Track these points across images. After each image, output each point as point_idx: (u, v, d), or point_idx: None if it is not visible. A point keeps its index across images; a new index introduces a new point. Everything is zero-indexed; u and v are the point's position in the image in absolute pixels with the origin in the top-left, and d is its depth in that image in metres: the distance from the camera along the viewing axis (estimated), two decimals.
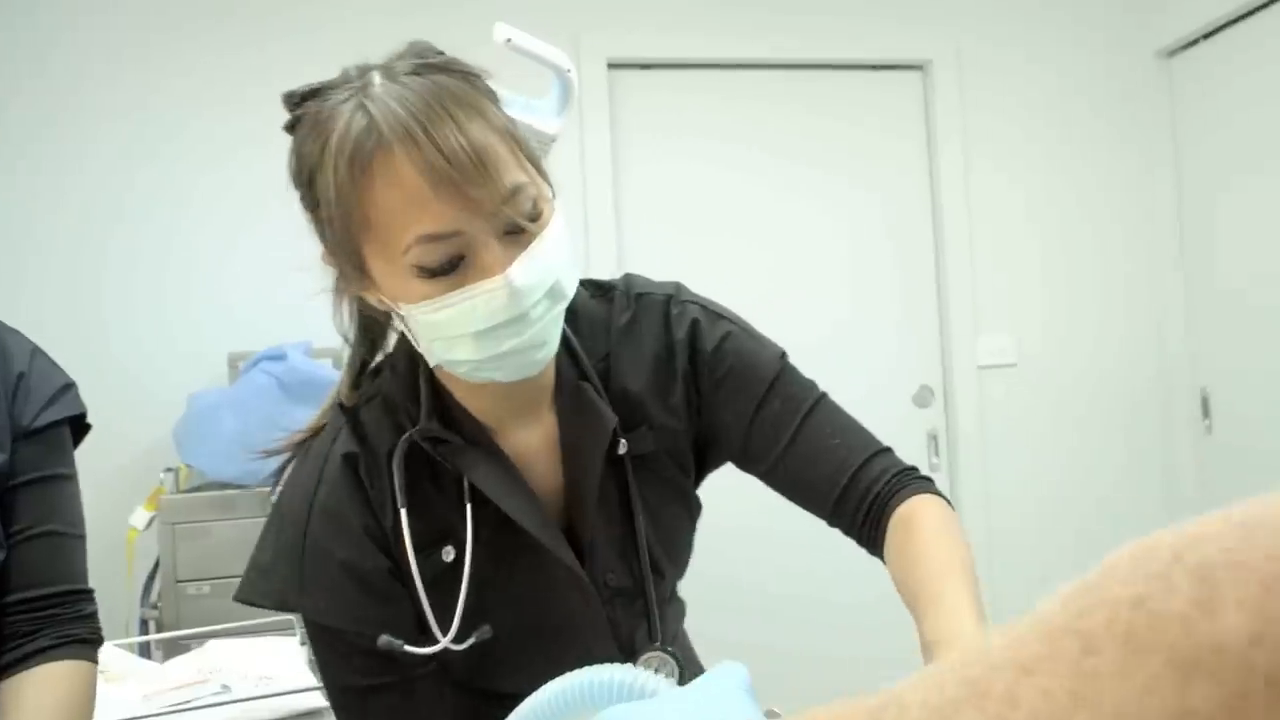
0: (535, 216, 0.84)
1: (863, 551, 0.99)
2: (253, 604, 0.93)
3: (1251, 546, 0.26)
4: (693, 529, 1.09)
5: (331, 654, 0.94)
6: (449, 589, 0.92)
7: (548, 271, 0.84)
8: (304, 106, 0.85)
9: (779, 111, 3.30)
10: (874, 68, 3.37)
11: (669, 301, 1.02)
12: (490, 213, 0.80)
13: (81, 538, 1.07)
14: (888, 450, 1.00)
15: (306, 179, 0.85)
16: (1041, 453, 3.37)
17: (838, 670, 2.84)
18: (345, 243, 0.84)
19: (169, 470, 2.44)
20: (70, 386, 1.09)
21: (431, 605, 0.91)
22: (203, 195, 2.86)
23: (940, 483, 1.00)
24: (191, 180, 2.86)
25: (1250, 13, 3.01)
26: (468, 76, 0.84)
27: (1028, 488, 3.35)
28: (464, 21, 2.04)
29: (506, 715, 0.58)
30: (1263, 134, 3.00)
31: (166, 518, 2.29)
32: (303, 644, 1.78)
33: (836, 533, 1.01)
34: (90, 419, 1.12)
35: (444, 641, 0.90)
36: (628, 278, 1.05)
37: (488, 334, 0.83)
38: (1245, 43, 3.06)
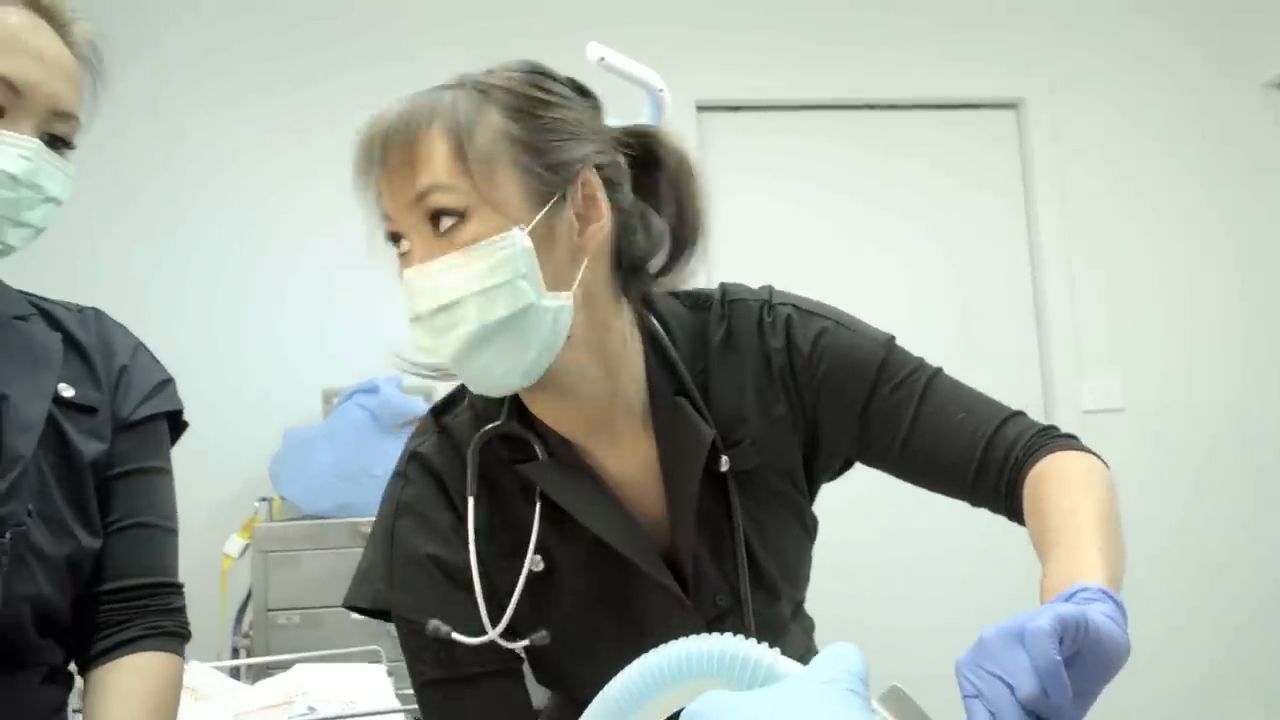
0: (451, 228, 0.83)
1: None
2: (355, 608, 0.94)
3: None
4: (809, 545, 1.04)
5: (419, 649, 0.92)
6: (543, 596, 0.91)
7: (444, 288, 0.82)
8: None
9: (868, 151, 3.27)
10: (966, 107, 3.32)
11: (763, 307, 0.99)
12: (404, 206, 0.84)
13: (173, 532, 1.07)
14: (1020, 414, 0.93)
15: None
16: (1153, 503, 3.19)
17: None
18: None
19: (264, 500, 2.48)
20: (169, 382, 1.11)
21: (516, 608, 0.89)
22: (297, 235, 2.94)
23: None
24: (287, 221, 2.95)
25: None
26: (482, 89, 0.87)
27: (1139, 542, 3.17)
28: (558, 52, 2.07)
29: None
30: None
31: (260, 546, 2.32)
32: (389, 674, 1.77)
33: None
34: (188, 450, 1.14)
35: (492, 634, 0.88)
36: (722, 286, 1.02)
37: (414, 323, 0.85)
38: None
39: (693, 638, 0.53)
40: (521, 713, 0.92)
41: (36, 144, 0.90)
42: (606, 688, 0.55)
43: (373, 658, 1.81)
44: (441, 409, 0.99)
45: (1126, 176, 3.31)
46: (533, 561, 0.91)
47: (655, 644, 0.92)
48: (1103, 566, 0.69)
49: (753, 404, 0.97)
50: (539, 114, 0.86)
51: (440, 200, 0.82)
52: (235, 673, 2.02)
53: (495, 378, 0.86)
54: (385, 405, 2.45)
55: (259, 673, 2.04)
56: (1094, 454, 0.87)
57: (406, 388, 2.61)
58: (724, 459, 0.94)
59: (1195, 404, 3.26)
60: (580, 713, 0.94)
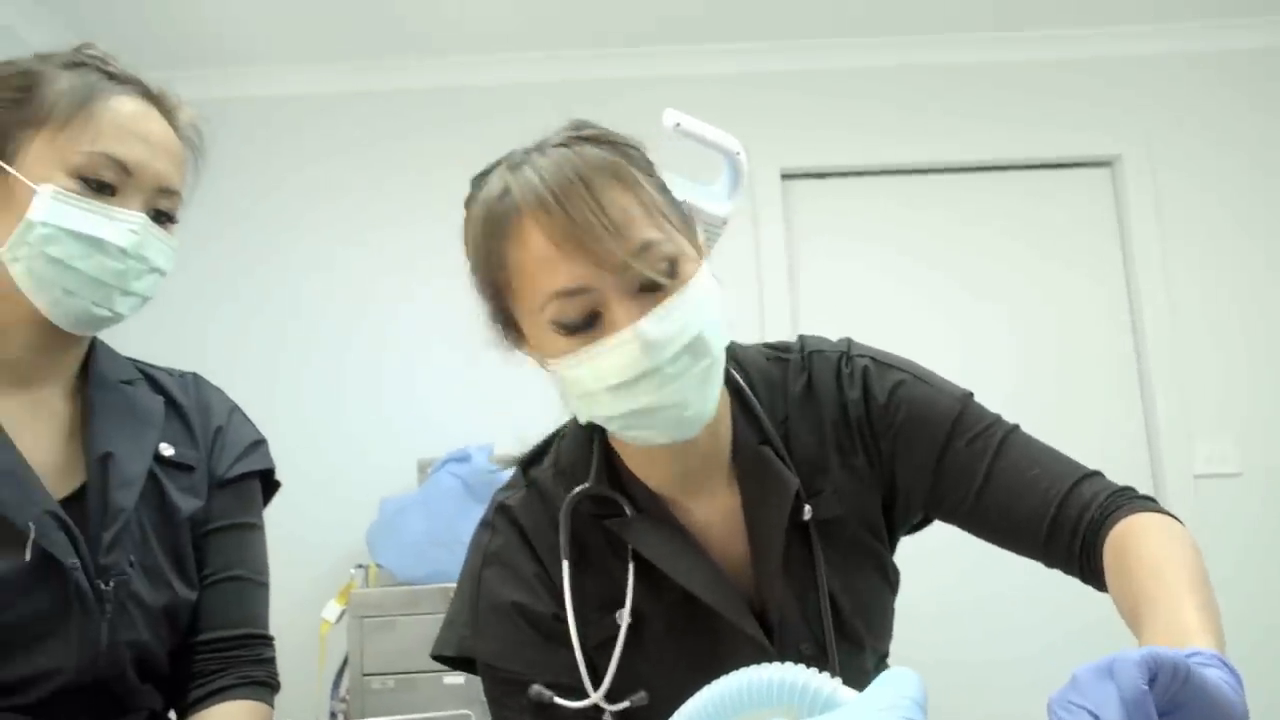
0: (672, 274, 0.84)
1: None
2: (441, 658, 0.97)
3: None
4: (891, 596, 1.04)
5: (502, 695, 0.94)
6: (631, 650, 0.92)
7: (684, 327, 0.83)
8: (476, 183, 0.92)
9: (957, 214, 3.25)
10: (1058, 166, 3.28)
11: (841, 359, 1.00)
12: (619, 267, 0.81)
13: (265, 585, 1.12)
14: (1097, 473, 0.92)
15: (466, 248, 0.91)
16: (1273, 573, 3.03)
17: None
18: (497, 303, 0.89)
19: (360, 567, 2.54)
20: (261, 442, 1.17)
21: (600, 666, 0.91)
22: (391, 308, 3.05)
23: None
24: (382, 294, 3.07)
25: None
26: (617, 146, 0.88)
27: (1257, 612, 3.00)
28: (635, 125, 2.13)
29: None
30: None
31: (356, 612, 2.37)
32: None
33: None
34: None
35: (594, 697, 0.89)
36: (801, 338, 1.04)
37: (623, 389, 0.83)
38: None
39: (754, 667, 0.54)
40: None
41: (143, 219, 0.98)
42: (673, 718, 0.56)
43: None
44: (529, 462, 1.01)
45: (1229, 232, 3.21)
46: (622, 618, 0.92)
47: None
48: (1209, 631, 0.67)
49: (832, 454, 0.97)
50: (650, 168, 0.90)
51: (663, 250, 0.83)
52: None
53: (707, 412, 0.87)
54: (476, 473, 2.50)
55: None
56: (1174, 516, 0.85)
57: (496, 459, 2.66)
58: (807, 508, 0.94)
59: None
60: None
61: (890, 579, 1.03)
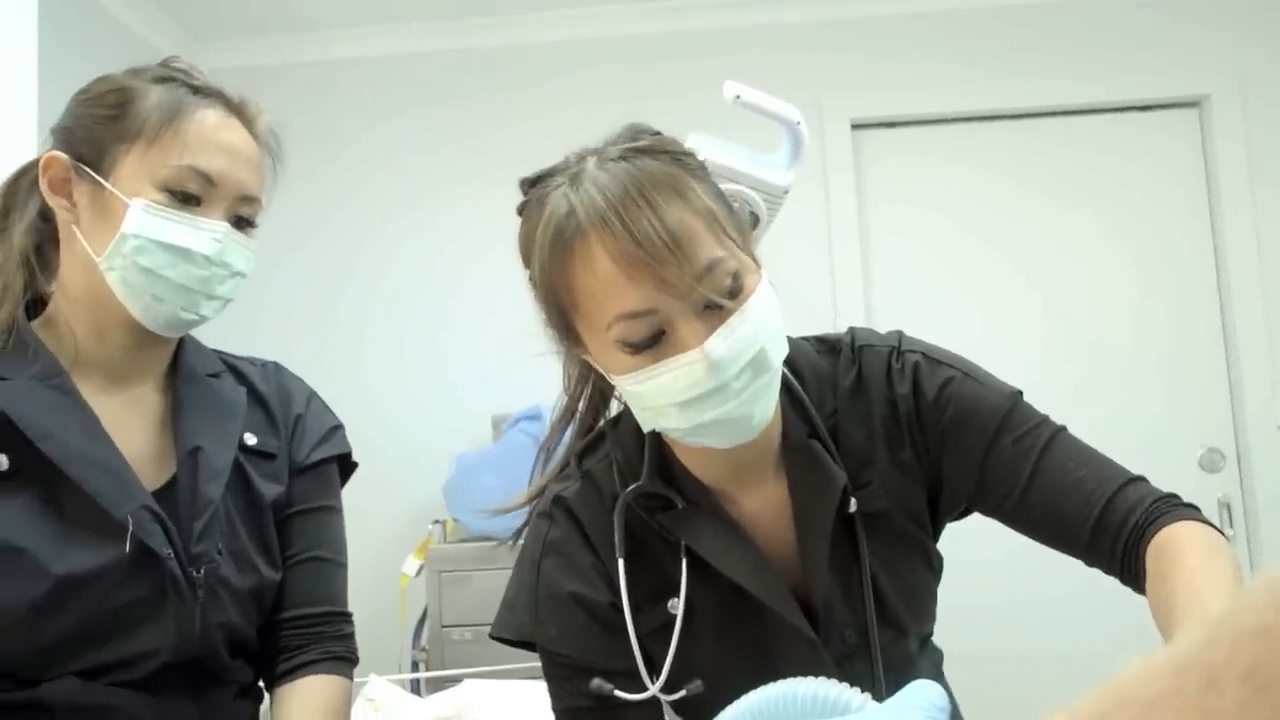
0: (735, 291, 0.86)
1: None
2: (501, 639, 1.01)
3: None
4: (935, 582, 1.06)
5: (560, 678, 0.98)
6: (683, 641, 0.95)
7: (748, 344, 0.86)
8: (531, 192, 0.94)
9: (1033, 161, 3.17)
10: (1141, 108, 3.17)
11: (891, 354, 1.01)
12: (685, 291, 0.83)
13: (343, 565, 1.19)
14: (1141, 479, 0.93)
15: (526, 259, 0.94)
16: None
17: None
18: (558, 317, 0.92)
19: (437, 522, 2.63)
20: (339, 428, 1.23)
21: (654, 654, 0.94)
22: (463, 265, 3.11)
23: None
24: (454, 251, 3.12)
25: None
26: (676, 157, 0.89)
27: None
28: (703, 85, 2.13)
29: None
30: None
31: (434, 566, 2.47)
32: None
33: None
34: (369, 476, 1.26)
35: (653, 690, 0.93)
36: (852, 331, 1.05)
37: (690, 404, 0.86)
38: None
39: (788, 680, 0.57)
40: None
41: (226, 227, 1.03)
42: None
43: (536, 674, 1.90)
44: (583, 453, 1.05)
45: None
46: (674, 608, 0.95)
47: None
48: None
49: (880, 448, 0.99)
50: (705, 175, 0.91)
51: (726, 268, 0.85)
52: (415, 685, 2.16)
53: (768, 418, 0.91)
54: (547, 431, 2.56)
55: (434, 685, 2.18)
56: (1215, 527, 0.86)
57: None
58: (853, 501, 0.96)
59: None
60: None
61: (934, 566, 1.05)
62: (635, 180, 0.84)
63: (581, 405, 1.05)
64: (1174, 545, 0.83)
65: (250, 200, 1.06)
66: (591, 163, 0.89)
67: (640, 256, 0.82)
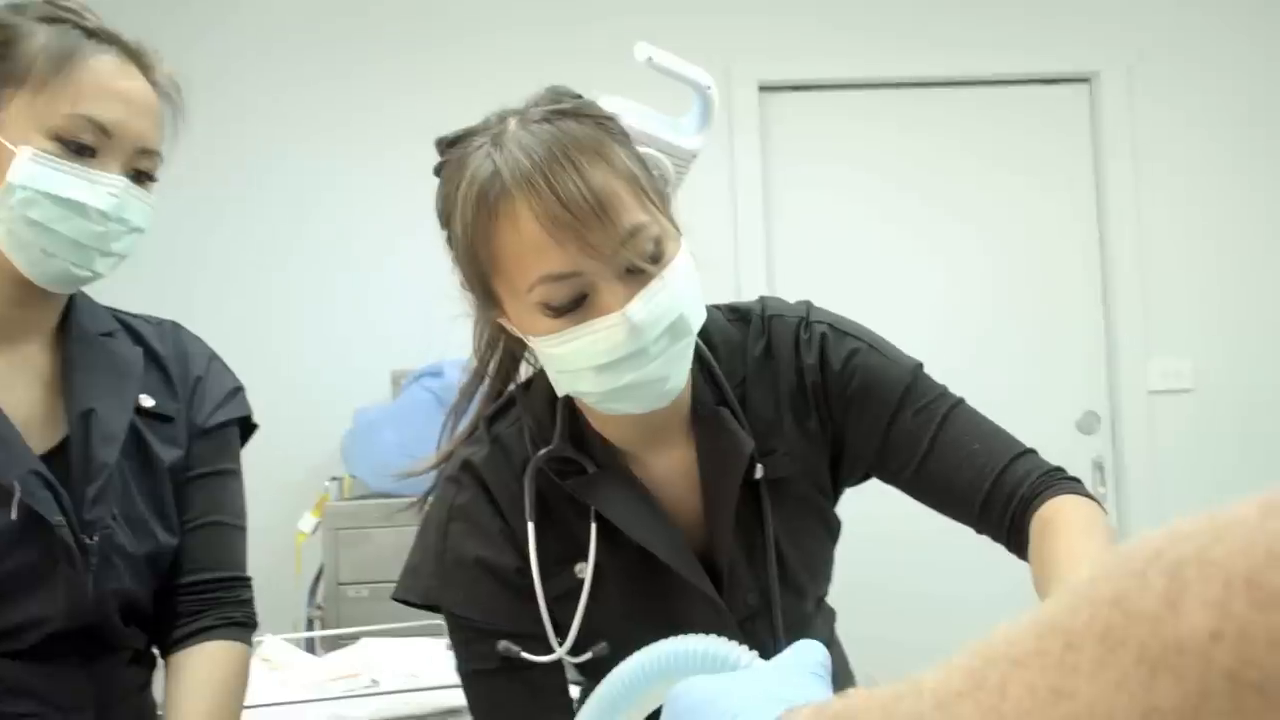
0: (657, 256, 0.87)
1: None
2: (405, 602, 1.01)
3: (1222, 544, 0.26)
4: (833, 545, 1.10)
5: (466, 642, 0.99)
6: (590, 603, 0.96)
7: (668, 309, 0.87)
8: (449, 152, 0.92)
9: (933, 128, 3.24)
10: (1036, 82, 3.27)
11: (800, 324, 1.03)
12: (609, 254, 0.84)
13: (243, 529, 1.17)
14: (1031, 451, 0.98)
15: (445, 220, 0.93)
16: (1222, 486, 3.14)
17: None
18: (477, 279, 0.91)
19: (334, 479, 2.60)
20: (239, 390, 1.20)
21: (560, 617, 0.96)
22: (362, 220, 3.04)
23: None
24: (352, 205, 3.05)
25: None
26: (598, 121, 0.89)
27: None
28: (614, 46, 2.11)
29: None
30: None
31: (331, 524, 2.44)
32: (449, 647, 1.87)
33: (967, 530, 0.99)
34: (265, 431, 1.23)
35: (559, 652, 0.94)
36: (762, 301, 1.07)
37: (608, 368, 0.87)
38: None
39: (679, 637, 0.59)
40: (561, 695, 0.99)
41: (124, 182, 0.98)
42: (605, 681, 0.61)
43: (435, 631, 1.91)
44: (493, 417, 1.04)
45: (1204, 154, 3.23)
46: (582, 571, 0.97)
47: None
48: None
49: (787, 416, 1.02)
50: (628, 140, 0.91)
51: (649, 233, 0.86)
52: (310, 644, 2.14)
53: (682, 383, 0.92)
54: (449, 388, 2.52)
55: (330, 643, 2.17)
56: (1095, 499, 0.92)
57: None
58: (759, 467, 0.99)
59: (1270, 383, 3.19)
60: None
61: (832, 530, 1.09)
62: (560, 142, 0.84)
63: (491, 368, 1.04)
64: (1055, 519, 0.89)
65: (150, 153, 1.01)
66: (513, 124, 0.88)
67: (566, 218, 0.82)
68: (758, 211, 3.16)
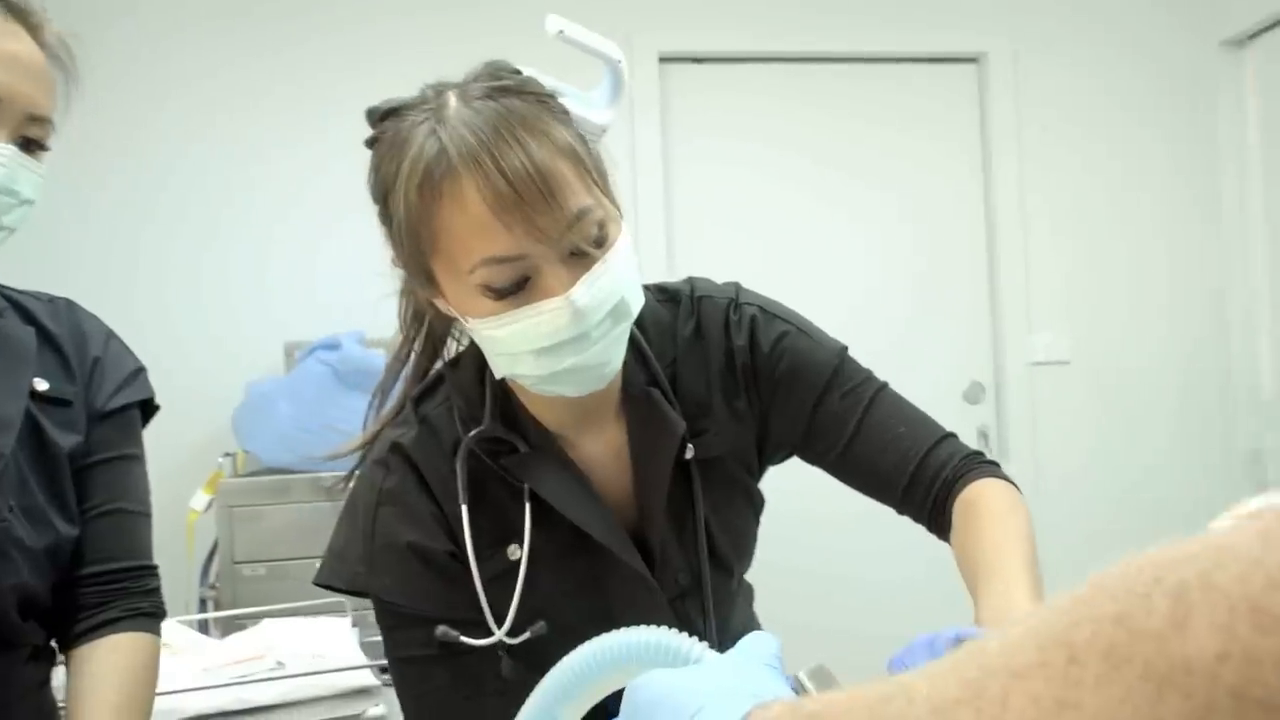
0: (601, 240, 0.86)
1: (912, 531, 1.00)
2: (329, 587, 0.98)
3: (1224, 570, 0.28)
4: (757, 523, 1.12)
5: (396, 628, 0.97)
6: (515, 585, 0.95)
7: (610, 293, 0.86)
8: (383, 125, 0.89)
9: (831, 104, 3.30)
10: (928, 60, 3.35)
11: (730, 306, 1.04)
12: (555, 237, 0.83)
13: (148, 516, 1.12)
14: (952, 436, 1.02)
15: (381, 196, 0.89)
16: (1095, 453, 3.32)
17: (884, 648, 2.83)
18: (416, 258, 0.88)
19: (228, 455, 2.51)
20: (141, 371, 1.14)
21: (495, 600, 0.94)
22: (259, 189, 2.93)
23: None
24: (249, 174, 2.93)
25: None
26: (540, 99, 0.87)
27: (1079, 488, 3.30)
28: (516, 17, 2.08)
29: None
30: None
31: (225, 501, 2.36)
32: (354, 625, 1.83)
33: (886, 512, 1.02)
34: (158, 403, 1.17)
35: (498, 635, 0.93)
36: (691, 282, 1.07)
37: (549, 351, 0.86)
38: None
39: (626, 630, 0.59)
40: (495, 681, 0.97)
41: (12, 150, 0.92)
42: (552, 672, 0.61)
43: (337, 609, 1.87)
44: (420, 397, 1.02)
45: (1084, 134, 3.36)
46: (515, 553, 0.96)
47: (625, 622, 0.98)
48: (1033, 603, 0.80)
49: (717, 396, 1.03)
50: (568, 119, 0.89)
51: (594, 217, 0.85)
52: (204, 625, 2.08)
53: (618, 366, 0.92)
54: (347, 360, 2.48)
55: (227, 625, 2.10)
56: (1011, 481, 0.97)
57: (368, 341, 2.64)
58: (690, 447, 1.00)
59: (1138, 356, 3.37)
60: (540, 676, 1.01)
61: (756, 507, 1.11)
62: (506, 120, 0.83)
63: (417, 346, 1.02)
64: (978, 502, 0.93)
65: (41, 121, 0.95)
66: (454, 100, 0.85)
67: (513, 199, 0.81)
68: (658, 182, 3.16)
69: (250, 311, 2.89)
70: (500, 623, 0.94)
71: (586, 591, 1.00)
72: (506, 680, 0.98)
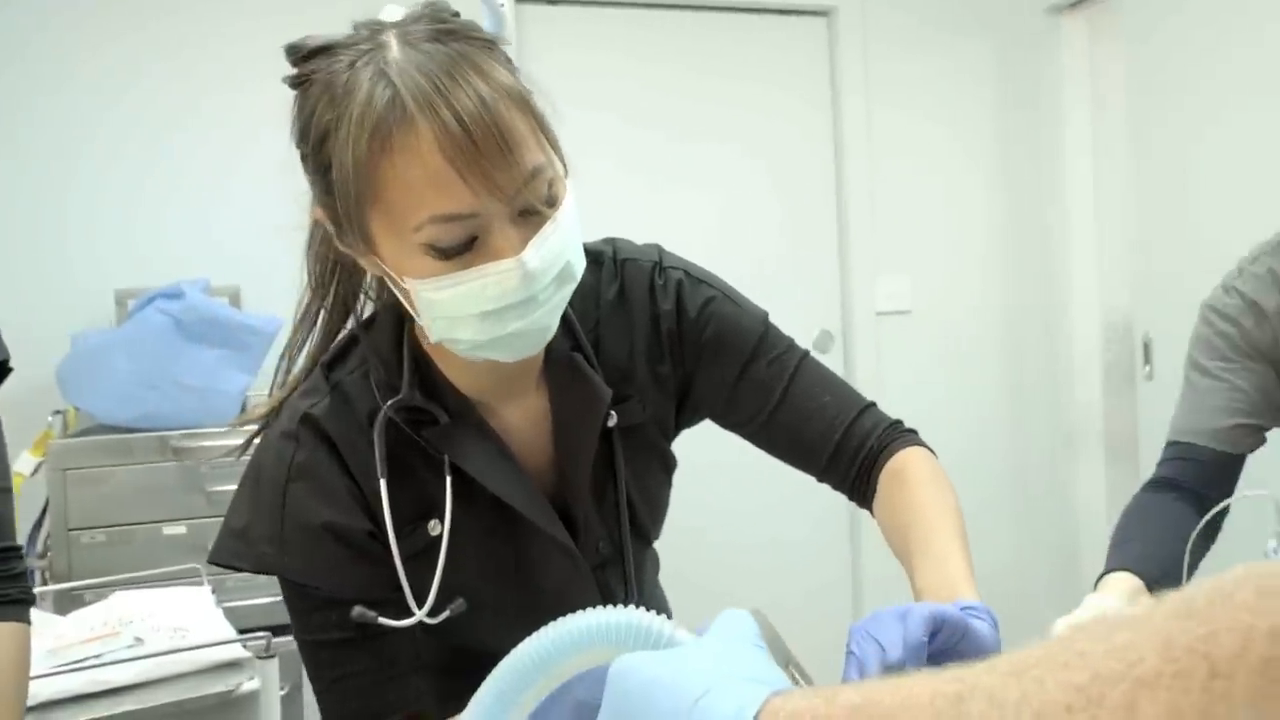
0: (552, 200, 0.82)
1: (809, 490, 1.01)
2: (230, 567, 0.91)
3: None
4: (670, 487, 1.10)
5: (308, 611, 0.91)
6: (436, 561, 0.91)
7: (558, 255, 0.82)
8: (313, 63, 0.81)
9: (683, 52, 3.28)
10: (779, 12, 3.38)
11: (654, 269, 1.01)
12: (510, 195, 0.78)
13: (8, 491, 1.01)
14: (873, 405, 1.03)
15: (316, 141, 0.81)
16: (937, 401, 3.46)
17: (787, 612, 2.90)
18: (352, 211, 0.80)
19: (57, 413, 2.31)
20: None
21: (415, 577, 0.89)
22: (85, 118, 2.68)
23: None
24: (73, 101, 2.67)
25: None
26: (486, 44, 0.81)
27: (925, 437, 3.44)
28: None
29: (486, 669, 0.56)
30: (1171, 81, 3.09)
31: (56, 463, 2.16)
32: (214, 592, 1.73)
33: (756, 469, 1.03)
34: None
35: (419, 615, 0.89)
36: (612, 243, 1.04)
37: (494, 315, 0.81)
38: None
39: (596, 610, 0.56)
40: (414, 661, 0.93)
41: None
42: (512, 655, 0.57)
43: (192, 577, 1.75)
44: (332, 363, 0.95)
45: (925, 90, 3.48)
46: (435, 529, 0.91)
47: (548, 594, 0.96)
48: (970, 580, 0.82)
49: (640, 361, 1.00)
50: (513, 67, 0.84)
51: (546, 175, 0.81)
52: (37, 599, 1.91)
53: (552, 334, 0.88)
54: (191, 310, 2.31)
55: (62, 599, 1.95)
56: (930, 449, 1.00)
57: (213, 290, 2.47)
58: (612, 414, 0.97)
59: (973, 305, 3.53)
60: (469, 660, 0.97)
61: (670, 472, 1.09)
62: (459, 65, 0.76)
63: (328, 304, 0.95)
64: (904, 471, 0.96)
65: None
66: (394, 40, 0.78)
67: (472, 152, 0.75)
68: None
69: (73, 256, 2.65)
70: (421, 602, 0.89)
71: (509, 565, 0.96)
72: (424, 659, 0.94)
